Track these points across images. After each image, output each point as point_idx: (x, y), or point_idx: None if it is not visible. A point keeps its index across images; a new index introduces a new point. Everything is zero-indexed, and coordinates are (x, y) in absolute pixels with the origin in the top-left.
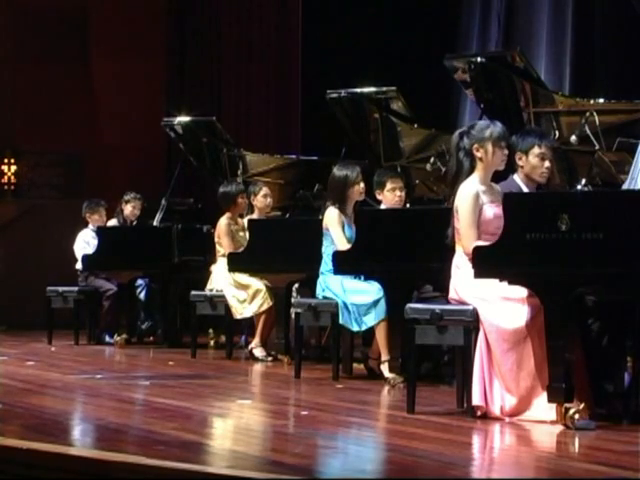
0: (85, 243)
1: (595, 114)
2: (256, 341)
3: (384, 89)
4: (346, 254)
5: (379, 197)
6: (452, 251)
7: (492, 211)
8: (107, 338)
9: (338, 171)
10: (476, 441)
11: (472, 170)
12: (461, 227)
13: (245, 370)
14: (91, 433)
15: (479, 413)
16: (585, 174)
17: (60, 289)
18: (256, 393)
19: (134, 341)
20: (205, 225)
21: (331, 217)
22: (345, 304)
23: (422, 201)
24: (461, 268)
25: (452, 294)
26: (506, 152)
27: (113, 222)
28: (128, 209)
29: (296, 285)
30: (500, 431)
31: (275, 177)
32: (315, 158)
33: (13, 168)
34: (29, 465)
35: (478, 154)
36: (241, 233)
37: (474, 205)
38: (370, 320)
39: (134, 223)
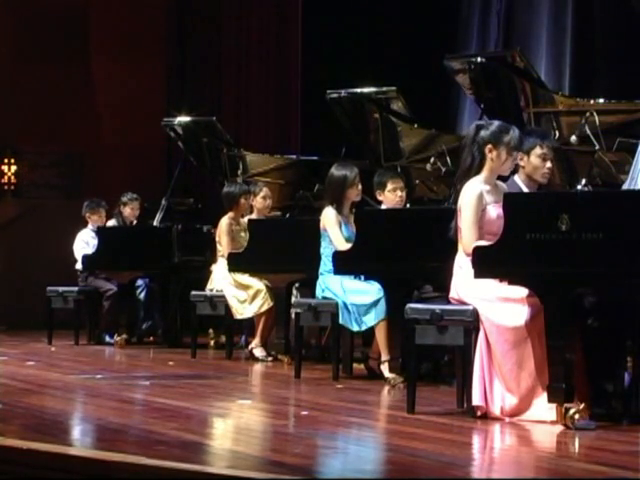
0: (84, 243)
1: (595, 114)
2: (256, 341)
3: (384, 89)
4: (346, 254)
5: (380, 198)
6: (454, 248)
7: (495, 211)
8: (107, 338)
9: (337, 171)
10: (476, 441)
11: (480, 167)
12: (462, 227)
13: (245, 370)
14: (91, 433)
15: (479, 413)
16: (585, 174)
17: (60, 289)
18: (256, 393)
19: (134, 341)
20: (205, 225)
21: (328, 217)
22: (345, 304)
23: (422, 201)
24: (463, 268)
25: (453, 293)
26: (516, 161)
27: (112, 223)
28: (127, 211)
29: (296, 285)
30: (500, 431)
31: (275, 177)
32: (315, 158)
33: (13, 168)
34: (29, 465)
35: (490, 155)
36: (242, 234)
37: (477, 205)
38: (370, 320)
39: (134, 223)
